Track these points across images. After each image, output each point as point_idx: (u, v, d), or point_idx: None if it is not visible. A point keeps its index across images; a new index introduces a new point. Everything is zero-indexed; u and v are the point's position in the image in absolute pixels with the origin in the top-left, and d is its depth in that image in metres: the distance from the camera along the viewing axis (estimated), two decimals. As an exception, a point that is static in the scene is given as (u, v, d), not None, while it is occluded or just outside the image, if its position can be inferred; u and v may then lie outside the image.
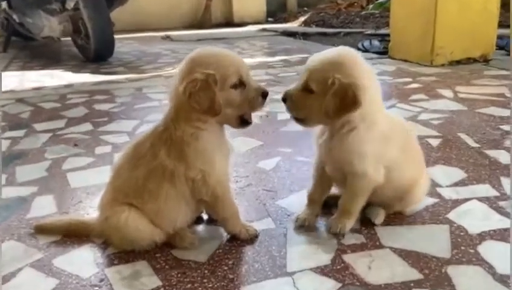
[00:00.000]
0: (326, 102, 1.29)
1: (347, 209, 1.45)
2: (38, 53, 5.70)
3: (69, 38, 5.21)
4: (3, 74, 4.42)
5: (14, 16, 5.10)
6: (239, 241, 1.43)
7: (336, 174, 1.47)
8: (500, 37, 4.35)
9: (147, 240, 1.36)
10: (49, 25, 4.82)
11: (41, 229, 1.50)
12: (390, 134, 1.39)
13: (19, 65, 4.90)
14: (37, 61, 5.09)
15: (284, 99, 1.40)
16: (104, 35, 4.64)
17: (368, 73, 1.35)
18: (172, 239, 1.40)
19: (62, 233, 1.48)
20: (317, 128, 1.47)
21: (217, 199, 1.36)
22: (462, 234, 1.43)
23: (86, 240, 1.45)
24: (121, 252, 1.38)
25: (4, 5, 5.09)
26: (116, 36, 4.88)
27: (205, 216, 1.57)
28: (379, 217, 1.50)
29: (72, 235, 1.48)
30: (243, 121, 1.39)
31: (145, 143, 1.35)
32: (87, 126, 2.65)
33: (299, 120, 1.42)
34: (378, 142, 1.37)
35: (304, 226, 1.50)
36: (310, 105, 1.36)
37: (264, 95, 1.36)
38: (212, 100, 1.26)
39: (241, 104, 1.34)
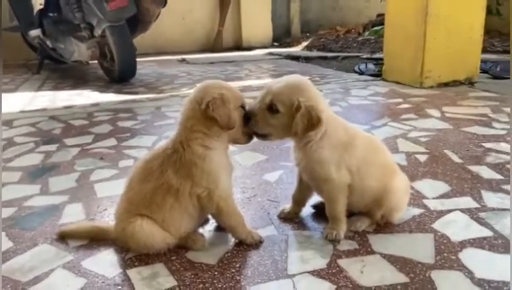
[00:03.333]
0: (295, 123, 1.39)
1: (333, 215, 1.51)
2: (68, 75, 5.81)
3: (96, 62, 5.32)
4: (37, 93, 4.52)
5: (48, 42, 5.22)
6: (245, 246, 1.47)
7: (311, 181, 1.55)
8: (484, 61, 4.39)
9: (160, 243, 1.40)
10: (78, 50, 4.92)
11: (64, 235, 1.55)
12: (349, 143, 1.47)
13: (51, 85, 5.00)
14: (67, 82, 5.19)
15: (248, 117, 1.46)
16: (128, 59, 4.74)
17: (319, 95, 1.47)
18: (185, 242, 1.45)
19: (83, 238, 1.53)
20: (292, 144, 1.55)
21: (221, 211, 1.42)
22: (445, 241, 1.45)
23: (111, 244, 1.49)
24: (141, 255, 1.42)
25: (38, 32, 5.20)
26: (137, 59, 4.98)
27: (214, 223, 1.61)
28: (356, 224, 1.54)
29: (95, 240, 1.52)
30: (250, 136, 1.49)
31: (156, 160, 1.41)
32: (111, 141, 2.71)
33: (262, 136, 1.50)
34: (334, 149, 1.45)
35: (286, 219, 1.65)
36: (275, 123, 1.45)
37: (250, 135, 1.50)
38: (229, 115, 1.36)
39: (241, 124, 1.45)
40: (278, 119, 1.44)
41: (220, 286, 1.27)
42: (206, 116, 1.36)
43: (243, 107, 1.45)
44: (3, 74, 5.80)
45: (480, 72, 4.21)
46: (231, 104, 1.38)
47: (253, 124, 1.46)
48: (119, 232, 1.42)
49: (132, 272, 1.35)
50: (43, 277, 1.35)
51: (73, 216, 1.73)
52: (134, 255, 1.43)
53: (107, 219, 1.69)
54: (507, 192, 1.79)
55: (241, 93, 1.47)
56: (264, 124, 1.46)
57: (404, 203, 1.60)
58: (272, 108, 1.43)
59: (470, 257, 1.36)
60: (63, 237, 1.55)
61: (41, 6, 5.02)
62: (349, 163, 1.46)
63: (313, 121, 1.38)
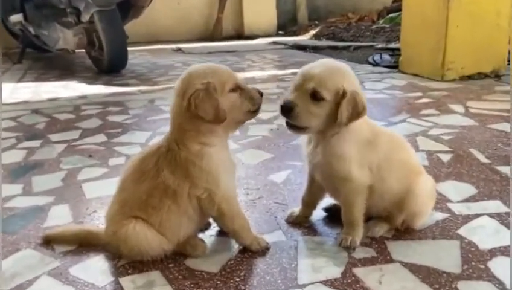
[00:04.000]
0: (340, 111, 1.37)
1: (349, 220, 1.49)
2: (53, 65, 5.81)
3: (83, 51, 5.31)
4: (18, 84, 4.51)
5: (30, 28, 5.21)
6: (250, 253, 1.46)
7: (325, 182, 1.53)
8: (510, 52, 4.36)
9: (156, 248, 1.38)
10: (64, 37, 4.92)
11: (49, 240, 1.54)
12: (372, 141, 1.46)
13: (34, 76, 5.00)
14: (51, 73, 5.19)
15: (286, 108, 1.40)
16: (118, 47, 4.74)
17: (357, 81, 1.46)
18: (183, 249, 1.44)
19: (70, 243, 1.52)
20: (303, 139, 1.53)
21: (224, 214, 1.40)
22: (472, 249, 1.44)
23: (102, 250, 1.48)
24: (135, 262, 1.41)
25: (20, 17, 5.19)
26: (128, 48, 4.97)
27: (216, 227, 1.60)
28: (373, 229, 1.53)
29: (84, 245, 1.51)
30: (252, 112, 1.43)
31: (150, 159, 1.39)
32: (101, 137, 2.70)
33: (301, 129, 1.44)
34: (359, 146, 1.44)
35: (295, 223, 1.64)
36: (319, 113, 1.40)
37: (261, 94, 1.43)
38: (217, 107, 1.31)
39: (242, 104, 1.39)
40: (322, 108, 1.39)
41: (222, 296, 1.26)
42: (191, 114, 1.32)
43: (237, 87, 1.38)
44: (-19, 63, 5.81)
45: (508, 64, 4.19)
46: (221, 91, 1.33)
47: (294, 117, 1.40)
48: (110, 235, 1.40)
49: (125, 281, 1.34)
50: (26, 285, 1.33)
51: (60, 219, 1.72)
52: (127, 262, 1.41)
53: (97, 222, 1.68)
54: (540, 195, 1.77)
55: (232, 73, 1.40)
56: (306, 115, 1.40)
57: (429, 208, 1.58)
58: (315, 96, 1.38)
59: (500, 266, 1.34)
60: (49, 242, 1.54)
61: (23, -11, 5.01)
62: (370, 161, 1.45)
63: (358, 109, 1.38)
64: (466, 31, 3.84)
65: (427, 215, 1.58)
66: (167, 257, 1.42)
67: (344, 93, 1.37)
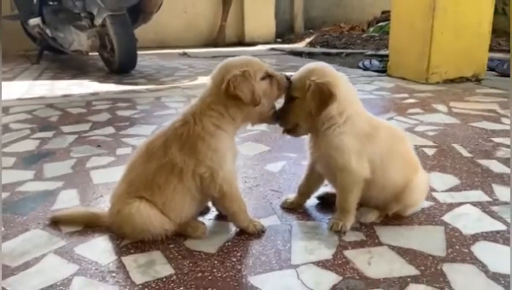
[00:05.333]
0: (307, 102, 1.36)
1: (343, 206, 1.44)
2: (68, 65, 5.75)
3: (96, 53, 5.25)
4: (35, 82, 4.45)
5: (47, 31, 5.14)
6: (247, 235, 1.41)
7: (326, 172, 1.48)
8: (490, 59, 4.32)
9: (158, 228, 1.33)
10: (78, 40, 4.85)
11: (57, 221, 1.49)
12: (373, 133, 1.40)
13: (50, 75, 4.93)
14: (66, 72, 5.12)
15: (277, 117, 1.46)
16: (128, 49, 4.67)
17: (338, 75, 1.42)
18: (184, 230, 1.39)
19: (76, 224, 1.47)
20: (308, 136, 1.51)
21: (224, 195, 1.35)
22: (456, 234, 1.39)
23: (106, 231, 1.43)
24: (137, 242, 1.36)
25: (38, 21, 5.13)
26: (139, 52, 4.91)
27: (215, 211, 1.55)
28: (366, 216, 1.48)
29: (89, 226, 1.46)
30: (275, 115, 1.45)
31: (158, 140, 1.35)
32: (110, 130, 2.65)
33: (291, 131, 1.48)
34: (357, 138, 1.38)
35: (289, 209, 1.60)
36: (296, 111, 1.43)
37: (287, 77, 1.44)
38: (253, 91, 1.32)
39: (272, 91, 1.41)
40: (297, 106, 1.42)
41: (219, 275, 1.21)
42: (227, 95, 1.31)
43: (269, 75, 1.39)
44: (3, 63, 5.73)
45: (487, 70, 4.15)
46: (254, 78, 1.34)
47: (280, 122, 1.47)
48: (114, 214, 1.35)
49: (127, 260, 1.29)
50: (34, 262, 1.28)
51: (68, 202, 1.67)
52: (130, 243, 1.36)
53: (103, 206, 1.63)
54: (519, 186, 1.72)
55: (262, 63, 1.41)
56: (288, 117, 1.45)
57: (422, 201, 1.53)
58: (291, 98, 1.43)
59: (483, 250, 1.30)
60: (56, 223, 1.49)
61: (42, -5, 4.94)
62: (372, 154, 1.39)
63: (324, 97, 1.34)
64: (450, 39, 3.80)
65: (418, 206, 1.54)
66: (168, 237, 1.37)
67: (309, 86, 1.36)
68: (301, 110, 1.41)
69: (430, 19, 3.76)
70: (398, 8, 4.20)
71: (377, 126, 1.44)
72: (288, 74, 1.46)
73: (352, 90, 1.45)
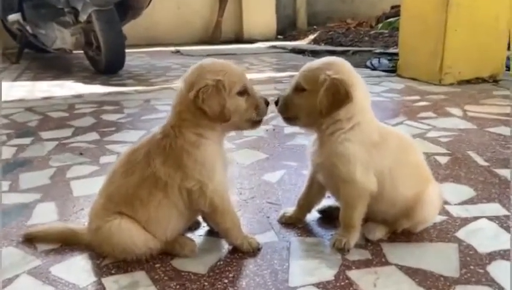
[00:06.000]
0: (320, 98, 1.32)
1: (347, 222, 1.41)
2: (50, 64, 5.75)
3: (81, 51, 5.25)
4: (14, 83, 4.45)
5: (28, 28, 5.15)
6: (240, 253, 1.39)
7: (328, 183, 1.45)
8: (509, 58, 4.31)
9: (141, 247, 1.31)
10: (61, 37, 4.86)
11: (30, 238, 1.47)
12: (381, 143, 1.38)
13: (30, 76, 4.93)
14: (48, 72, 5.13)
15: (276, 101, 1.44)
16: (115, 47, 4.67)
17: (356, 75, 1.39)
18: (171, 248, 1.37)
19: (52, 242, 1.45)
20: (310, 139, 1.48)
21: (215, 210, 1.33)
22: (471, 253, 1.37)
23: (85, 249, 1.41)
24: (120, 262, 1.34)
25: (18, 16, 5.13)
26: (128, 50, 4.92)
27: (206, 227, 1.53)
28: (374, 233, 1.45)
29: (67, 243, 1.44)
30: (254, 123, 1.40)
31: (141, 149, 1.33)
32: (93, 136, 2.63)
33: (290, 119, 1.46)
34: (364, 147, 1.35)
35: (287, 224, 1.57)
36: (301, 103, 1.40)
37: (267, 103, 1.40)
38: (223, 106, 1.27)
39: (247, 111, 1.36)
40: (303, 98, 1.39)
41: (209, 298, 1.19)
42: (195, 106, 1.27)
43: (245, 91, 1.35)
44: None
45: (506, 70, 4.14)
46: (229, 92, 1.29)
47: (279, 108, 1.44)
48: (93, 231, 1.33)
49: (108, 281, 1.27)
50: (6, 284, 1.27)
51: (45, 216, 1.65)
52: (111, 262, 1.34)
53: (83, 220, 1.61)
54: (540, 199, 1.71)
55: (243, 75, 1.37)
56: (291, 106, 1.42)
57: (435, 216, 1.51)
58: (297, 88, 1.40)
59: (500, 270, 1.28)
60: (31, 240, 1.47)
61: (22, -12, 4.96)
62: (380, 166, 1.37)
63: (340, 96, 1.30)
64: (464, 36, 3.79)
65: (430, 222, 1.52)
66: (153, 256, 1.35)
67: (324, 81, 1.32)
68: (307, 103, 1.37)
69: (443, 15, 3.76)
70: (408, 3, 4.21)
71: (386, 135, 1.42)
72: (271, 98, 1.43)
73: (368, 96, 1.42)
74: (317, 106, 1.32)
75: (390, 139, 1.41)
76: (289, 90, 1.43)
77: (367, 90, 1.42)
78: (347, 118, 1.35)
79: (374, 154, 1.36)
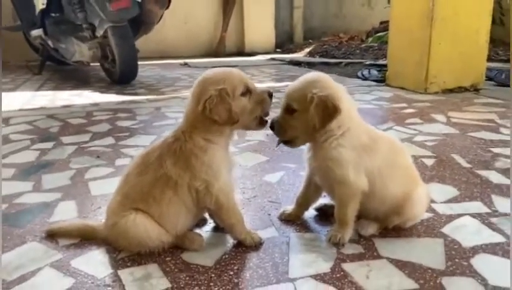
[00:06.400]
0: (310, 116, 1.32)
1: (341, 219, 1.41)
2: (70, 76, 5.76)
3: (98, 64, 5.26)
4: (37, 93, 4.45)
5: (49, 42, 5.16)
6: (244, 247, 1.39)
7: (324, 184, 1.46)
8: (489, 69, 4.32)
9: (155, 240, 1.31)
10: (79, 51, 4.87)
11: (52, 234, 1.47)
12: (372, 145, 1.38)
13: (52, 86, 4.94)
14: (68, 83, 5.13)
15: (272, 127, 1.42)
16: (129, 60, 4.68)
17: (340, 88, 1.39)
18: (181, 242, 1.37)
19: (72, 237, 1.45)
20: (307, 147, 1.48)
21: (221, 207, 1.33)
22: (455, 247, 1.37)
23: (103, 244, 1.41)
24: (134, 255, 1.34)
25: (40, 32, 5.15)
26: (140, 62, 4.92)
27: (212, 223, 1.53)
28: (366, 229, 1.45)
29: (86, 238, 1.44)
30: (261, 121, 1.41)
31: (154, 152, 1.35)
32: (109, 140, 2.63)
33: (287, 142, 1.44)
34: (355, 150, 1.36)
35: (287, 220, 1.57)
36: (295, 124, 1.38)
37: (270, 94, 1.40)
38: (229, 110, 1.29)
39: (253, 108, 1.37)
40: (296, 119, 1.38)
41: (216, 289, 1.19)
42: (205, 116, 1.29)
43: (248, 90, 1.36)
44: (4, 74, 5.75)
45: (486, 80, 4.14)
46: (233, 95, 1.31)
47: (277, 132, 1.42)
48: (110, 227, 1.33)
49: (124, 273, 1.26)
50: (29, 276, 1.26)
51: (65, 214, 1.65)
52: (126, 255, 1.34)
53: (101, 218, 1.61)
54: (519, 197, 1.71)
55: (244, 76, 1.37)
56: (285, 129, 1.41)
57: (423, 213, 1.51)
58: (288, 109, 1.39)
59: (482, 263, 1.28)
60: (53, 235, 1.47)
61: (44, 6, 4.97)
62: (371, 166, 1.37)
63: (329, 111, 1.31)
64: (448, 48, 3.80)
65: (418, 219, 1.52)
66: (165, 250, 1.35)
67: (312, 99, 1.32)
68: (301, 122, 1.37)
69: (428, 29, 3.77)
70: (396, 18, 4.21)
71: (376, 138, 1.42)
72: (270, 89, 1.42)
73: (354, 104, 1.42)
74: (310, 123, 1.33)
75: (381, 142, 1.42)
76: (281, 112, 1.42)
77: (351, 99, 1.42)
78: (337, 126, 1.35)
79: (364, 157, 1.37)
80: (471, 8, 3.80)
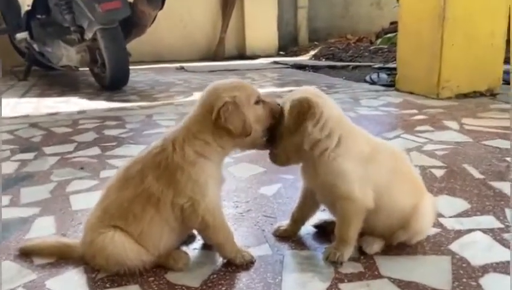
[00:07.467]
0: (286, 118, 1.36)
1: (342, 237, 1.39)
2: (57, 81, 5.80)
3: (87, 68, 5.30)
4: (21, 100, 4.48)
5: (35, 46, 5.21)
6: (234, 267, 1.38)
7: (326, 201, 1.45)
8: (507, 72, 4.31)
9: (134, 260, 1.30)
10: (67, 55, 4.91)
11: (27, 252, 1.46)
12: (373, 156, 1.37)
13: (37, 92, 4.97)
14: (54, 89, 5.17)
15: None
16: (120, 64, 4.70)
17: (323, 96, 1.42)
18: (165, 261, 1.36)
19: (48, 256, 1.44)
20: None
21: (207, 227, 1.32)
22: (464, 265, 1.35)
23: (81, 262, 1.40)
24: (114, 276, 1.33)
25: (26, 35, 5.20)
26: (133, 66, 4.97)
27: (201, 240, 1.52)
28: (371, 246, 1.43)
29: (62, 257, 1.43)
30: (268, 141, 1.42)
31: (136, 165, 1.34)
32: (95, 150, 2.64)
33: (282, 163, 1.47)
34: (358, 162, 1.35)
35: (282, 237, 1.56)
36: (283, 142, 1.41)
37: (279, 104, 1.43)
38: (244, 120, 1.29)
39: (266, 117, 1.38)
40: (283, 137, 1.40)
41: (201, 312, 1.18)
42: (217, 126, 1.29)
43: (259, 100, 1.38)
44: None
45: (503, 83, 4.13)
46: (248, 104, 1.33)
47: (272, 158, 1.48)
48: (87, 244, 1.33)
49: (102, 295, 1.26)
50: (0, 298, 1.26)
51: (43, 230, 1.65)
52: (105, 276, 1.33)
53: (80, 235, 1.59)
54: (535, 211, 1.69)
55: (254, 87, 1.40)
56: (277, 151, 1.45)
57: (430, 226, 1.50)
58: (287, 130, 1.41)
59: (492, 283, 1.26)
60: (27, 254, 1.46)
61: (29, 8, 5.02)
62: (378, 178, 1.36)
63: (303, 110, 1.33)
64: (461, 50, 3.79)
65: (425, 234, 1.50)
66: (147, 270, 1.34)
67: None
68: (288, 140, 1.39)
69: (439, 29, 3.77)
70: (405, 18, 4.22)
71: (377, 146, 1.42)
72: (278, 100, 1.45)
73: (337, 109, 1.42)
74: (286, 129, 1.36)
75: (382, 150, 1.41)
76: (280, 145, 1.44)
77: (336, 104, 1.43)
78: (326, 135, 1.35)
79: (369, 168, 1.35)
80: (485, 7, 3.79)
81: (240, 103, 1.30)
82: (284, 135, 1.39)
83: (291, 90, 1.46)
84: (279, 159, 1.46)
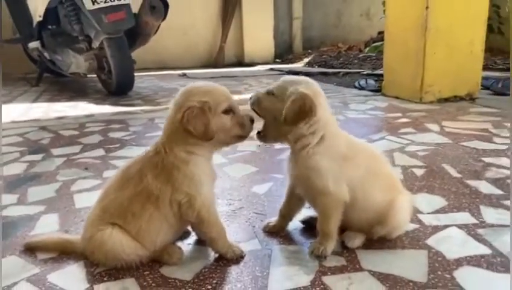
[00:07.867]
0: (287, 106, 1.32)
1: (324, 230, 1.40)
2: (66, 87, 5.79)
3: (94, 75, 5.29)
4: (32, 105, 4.47)
5: (46, 54, 5.21)
6: (225, 261, 1.37)
7: (305, 193, 1.44)
8: (485, 78, 4.31)
9: (131, 254, 1.29)
10: (76, 62, 4.90)
11: (31, 247, 1.46)
12: (350, 155, 1.37)
13: (47, 97, 4.96)
14: (64, 94, 5.16)
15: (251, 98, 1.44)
16: (125, 71, 4.70)
17: (323, 96, 1.40)
18: (160, 256, 1.35)
19: (50, 251, 1.43)
20: (288, 156, 1.47)
21: (202, 221, 1.32)
22: (439, 259, 1.35)
23: (81, 257, 1.39)
24: (111, 270, 1.32)
25: (37, 44, 5.19)
26: (138, 73, 4.96)
27: (195, 236, 1.52)
28: (353, 241, 1.43)
29: (64, 252, 1.43)
30: (240, 136, 1.39)
31: (135, 166, 1.33)
32: (99, 152, 2.63)
33: (260, 134, 1.45)
34: (334, 160, 1.35)
35: (271, 232, 1.56)
36: (268, 106, 1.40)
37: (252, 120, 1.39)
38: (207, 126, 1.27)
39: (231, 128, 1.35)
40: (271, 102, 1.39)
41: (192, 303, 1.17)
42: (181, 126, 1.27)
43: (231, 110, 1.35)
44: (3, 86, 5.78)
45: (482, 89, 4.14)
46: (214, 111, 1.29)
47: (251, 103, 1.44)
48: (87, 240, 1.32)
49: (100, 288, 1.25)
50: (5, 291, 1.25)
51: (47, 227, 1.64)
52: (104, 270, 1.33)
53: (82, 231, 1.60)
54: (507, 208, 1.68)
55: (228, 95, 1.36)
56: (260, 104, 1.42)
57: (407, 221, 1.49)
58: (269, 92, 1.41)
59: (466, 276, 1.26)
60: (32, 249, 1.46)
61: (41, 19, 5.01)
62: (352, 176, 1.36)
63: (305, 108, 1.31)
64: (442, 58, 3.79)
65: (403, 228, 1.50)
66: (143, 264, 1.34)
67: (292, 93, 1.33)
68: (273, 107, 1.37)
69: (422, 39, 3.77)
70: (391, 28, 4.22)
71: (355, 147, 1.42)
72: (252, 115, 1.42)
73: (328, 110, 1.42)
74: (281, 113, 1.33)
75: (360, 151, 1.42)
76: (263, 91, 1.44)
77: (329, 106, 1.42)
78: (310, 132, 1.35)
79: (344, 167, 1.36)
80: (465, 18, 3.80)
81: (206, 108, 1.27)
82: (277, 121, 1.37)
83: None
84: (268, 139, 1.48)
